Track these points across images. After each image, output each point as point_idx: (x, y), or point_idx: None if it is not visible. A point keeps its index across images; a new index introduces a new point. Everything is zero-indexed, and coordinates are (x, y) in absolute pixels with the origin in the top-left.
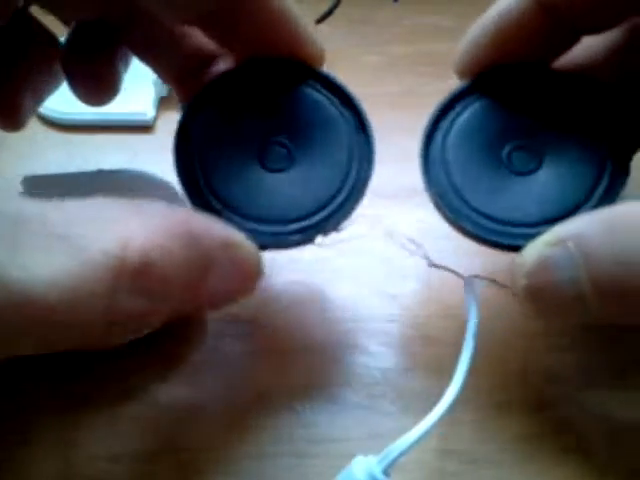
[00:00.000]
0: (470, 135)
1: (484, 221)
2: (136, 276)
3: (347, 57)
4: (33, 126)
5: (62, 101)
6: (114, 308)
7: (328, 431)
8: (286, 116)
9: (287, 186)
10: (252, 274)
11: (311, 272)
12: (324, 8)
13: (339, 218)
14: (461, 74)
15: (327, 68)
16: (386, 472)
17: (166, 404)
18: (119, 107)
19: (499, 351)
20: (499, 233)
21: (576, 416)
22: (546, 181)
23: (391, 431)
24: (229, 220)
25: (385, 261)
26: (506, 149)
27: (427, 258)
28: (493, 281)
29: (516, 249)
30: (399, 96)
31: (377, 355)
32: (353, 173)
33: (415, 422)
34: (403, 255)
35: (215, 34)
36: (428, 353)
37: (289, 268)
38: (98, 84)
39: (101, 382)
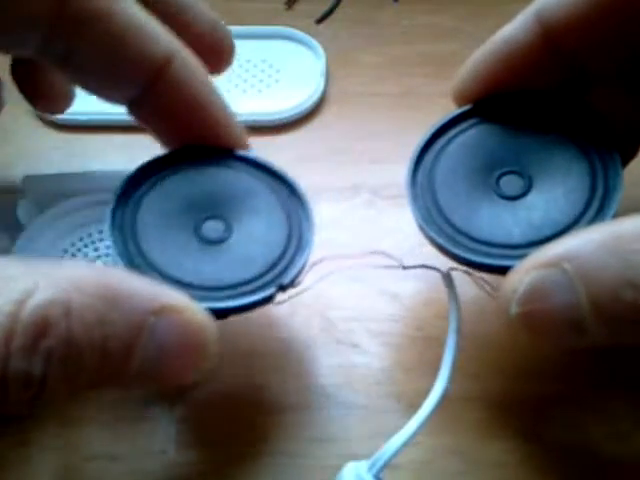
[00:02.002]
0: (461, 160)
1: (467, 242)
2: (31, 335)
3: (347, 57)
4: (33, 126)
5: None
6: (7, 369)
7: (328, 431)
8: (220, 195)
9: (232, 254)
10: (200, 343)
11: (311, 272)
12: (324, 8)
13: (294, 271)
14: (459, 100)
15: (328, 68)
16: (378, 477)
17: (166, 404)
18: (119, 108)
19: (500, 352)
20: (484, 254)
21: (579, 416)
22: (535, 204)
23: (391, 431)
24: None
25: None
26: (495, 174)
27: (399, 261)
28: (469, 273)
29: (503, 270)
30: (399, 96)
31: (377, 355)
32: (295, 231)
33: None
34: (404, 255)
35: (142, 116)
36: (428, 353)
37: None
38: (47, 95)
39: None
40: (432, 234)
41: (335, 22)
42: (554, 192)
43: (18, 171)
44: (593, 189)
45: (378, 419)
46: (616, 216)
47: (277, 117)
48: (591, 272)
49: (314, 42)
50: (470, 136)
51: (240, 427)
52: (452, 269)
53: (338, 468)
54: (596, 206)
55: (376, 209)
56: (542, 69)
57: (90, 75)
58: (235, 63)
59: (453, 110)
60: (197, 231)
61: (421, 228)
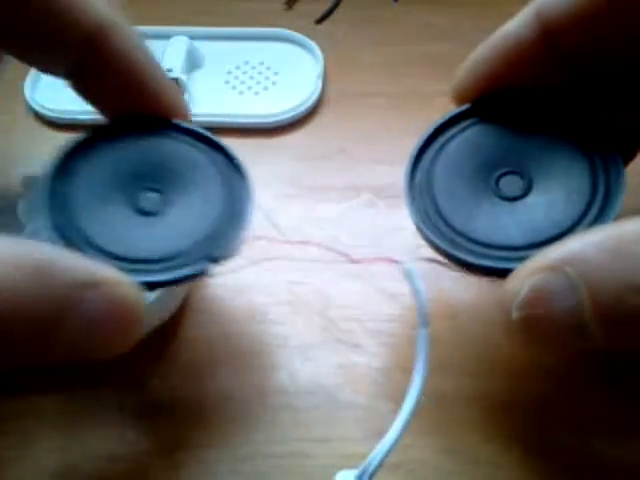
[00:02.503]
0: (459, 160)
1: (466, 244)
2: None
3: (347, 57)
4: (33, 126)
5: (62, 101)
6: None
7: (328, 431)
8: (157, 166)
9: (167, 226)
10: (127, 315)
11: (312, 272)
12: (324, 8)
13: (228, 245)
14: (458, 99)
15: (328, 68)
16: None
17: (166, 403)
18: None
19: (497, 351)
20: (483, 256)
21: (576, 416)
22: (535, 206)
23: None
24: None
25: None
26: (495, 175)
27: (347, 255)
28: (435, 261)
29: (502, 273)
30: (399, 96)
31: (377, 355)
32: (232, 203)
33: (416, 422)
34: (404, 255)
35: (82, 88)
36: (429, 353)
37: (289, 268)
38: None
39: (100, 381)
40: (430, 235)
41: (335, 22)
42: (555, 193)
43: (18, 171)
44: (594, 190)
45: (378, 419)
46: (619, 217)
47: (275, 119)
48: (594, 276)
49: (312, 44)
50: (469, 136)
51: (239, 427)
52: (409, 262)
53: (338, 468)
54: (597, 208)
55: (376, 209)
56: (542, 67)
57: (22, 46)
58: (233, 65)
59: (452, 109)
60: (133, 203)
61: (419, 229)
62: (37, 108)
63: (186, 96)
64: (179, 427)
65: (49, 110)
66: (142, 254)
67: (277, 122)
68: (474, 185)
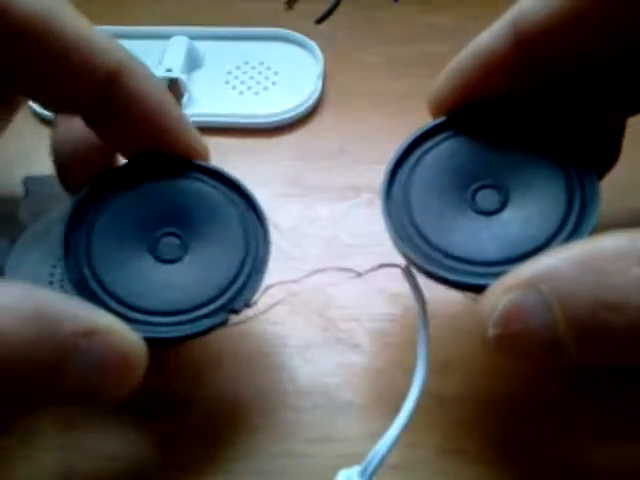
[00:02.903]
0: (436, 174)
1: (443, 259)
2: None
3: (347, 57)
4: (33, 126)
5: None
6: None
7: (328, 431)
8: (175, 208)
9: (186, 275)
10: (127, 364)
11: (312, 272)
12: (324, 8)
13: (246, 295)
14: (434, 111)
15: (328, 68)
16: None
17: (166, 404)
18: None
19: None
20: (460, 272)
21: (573, 417)
22: (511, 220)
23: None
24: (127, 318)
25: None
26: (471, 188)
27: (353, 271)
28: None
29: (478, 289)
30: (399, 96)
31: (377, 355)
32: (251, 251)
33: (416, 422)
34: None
35: (97, 129)
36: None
37: (290, 268)
38: None
39: None
40: (406, 250)
41: (335, 22)
42: (530, 207)
43: (18, 171)
44: (570, 205)
45: (378, 419)
46: (594, 232)
47: (275, 119)
48: (567, 293)
49: (312, 44)
50: (445, 149)
51: (239, 427)
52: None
53: (338, 468)
54: (573, 222)
55: (376, 209)
56: (518, 78)
57: (36, 90)
58: (233, 65)
59: (428, 122)
60: (152, 248)
61: (395, 244)
62: (37, 108)
63: (186, 96)
64: (179, 427)
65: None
66: (162, 306)
67: (277, 122)
68: (450, 199)
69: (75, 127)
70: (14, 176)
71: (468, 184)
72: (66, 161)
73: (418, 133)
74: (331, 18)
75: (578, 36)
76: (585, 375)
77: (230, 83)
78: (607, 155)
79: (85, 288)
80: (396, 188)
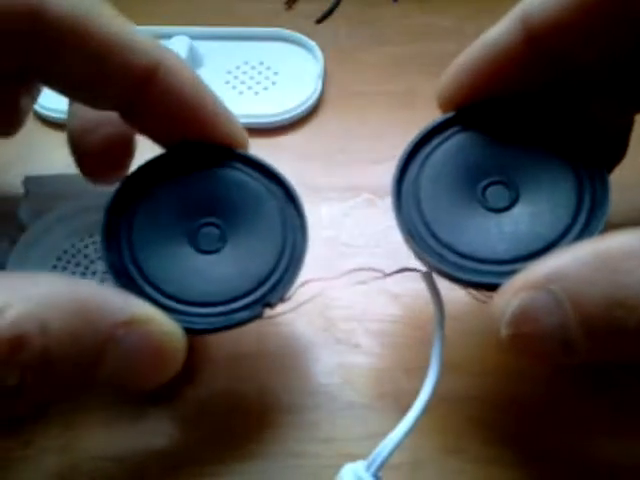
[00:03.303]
0: (446, 170)
1: (454, 258)
2: (6, 351)
3: (347, 57)
4: (33, 126)
5: (62, 101)
6: None
7: (328, 431)
8: (215, 198)
9: (224, 266)
10: (165, 353)
11: (312, 272)
12: (324, 8)
13: (282, 289)
14: (444, 107)
15: (328, 68)
16: (376, 476)
17: (166, 404)
18: None
19: (500, 351)
20: (470, 271)
21: (578, 417)
22: (521, 217)
23: (391, 431)
24: (166, 307)
25: (386, 261)
26: (481, 185)
27: (381, 271)
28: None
29: (489, 287)
30: (399, 96)
31: (377, 355)
32: (289, 244)
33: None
34: (404, 255)
35: (137, 124)
36: (428, 353)
37: None
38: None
39: None
40: (418, 249)
41: (335, 22)
42: (540, 205)
43: (19, 171)
44: (580, 202)
45: (378, 419)
46: (604, 230)
47: (275, 119)
48: (579, 293)
49: (312, 44)
50: (454, 144)
51: (240, 427)
52: (430, 271)
53: (338, 468)
54: (583, 220)
55: (376, 209)
56: (527, 73)
57: (74, 90)
58: (233, 65)
59: (436, 117)
60: (192, 238)
61: (407, 242)
62: (37, 108)
63: None
64: (178, 427)
65: (49, 110)
66: (199, 297)
67: (277, 122)
68: (460, 196)
69: (90, 116)
70: (14, 176)
71: (477, 180)
72: (84, 150)
73: (427, 129)
74: (331, 18)
75: (587, 31)
76: (592, 374)
77: (230, 83)
78: (614, 151)
79: (125, 275)
80: (406, 185)
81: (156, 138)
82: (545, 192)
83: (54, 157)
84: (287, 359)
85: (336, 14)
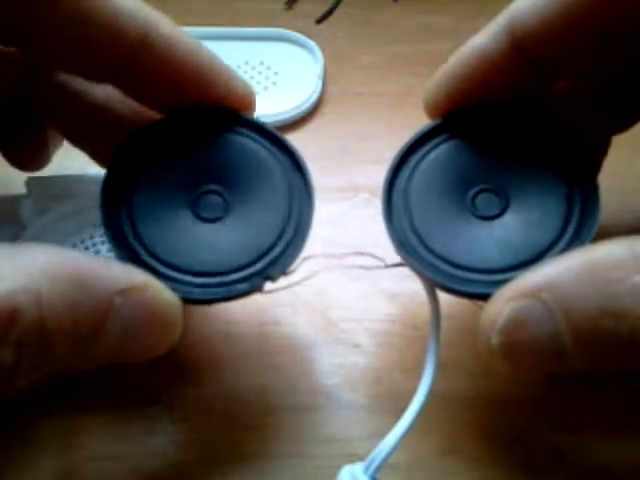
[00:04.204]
0: (435, 178)
1: (446, 268)
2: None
3: (347, 57)
4: None
5: None
6: None
7: (328, 431)
8: (217, 165)
9: (226, 235)
10: (164, 321)
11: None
12: (324, 8)
13: (285, 262)
14: (431, 113)
15: (328, 68)
16: (374, 477)
17: (166, 404)
18: None
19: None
20: (462, 280)
21: (575, 417)
22: (511, 225)
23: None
24: (165, 276)
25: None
26: (471, 192)
27: (382, 260)
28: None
29: (481, 297)
30: (399, 96)
31: (377, 355)
32: (294, 215)
33: (416, 422)
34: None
35: (134, 92)
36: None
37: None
38: (26, 158)
39: (101, 382)
40: (410, 259)
41: (335, 22)
42: (530, 212)
43: (20, 171)
44: (570, 210)
45: (378, 419)
46: (603, 226)
47: (275, 119)
48: (570, 302)
49: (312, 44)
50: (442, 152)
51: (240, 427)
52: None
53: (338, 468)
54: (573, 228)
55: (375, 209)
56: (514, 81)
57: (64, 61)
58: (233, 65)
59: (424, 125)
60: (194, 206)
61: (399, 252)
62: None
63: None
64: (178, 427)
65: None
66: (199, 266)
67: (277, 122)
68: (450, 204)
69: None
70: (16, 176)
71: (467, 188)
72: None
73: (415, 138)
74: (331, 18)
75: (572, 43)
76: (588, 376)
77: None
78: (597, 153)
79: (124, 244)
80: (396, 195)
81: (156, 105)
82: (535, 200)
83: (56, 158)
84: (287, 359)
85: (336, 14)
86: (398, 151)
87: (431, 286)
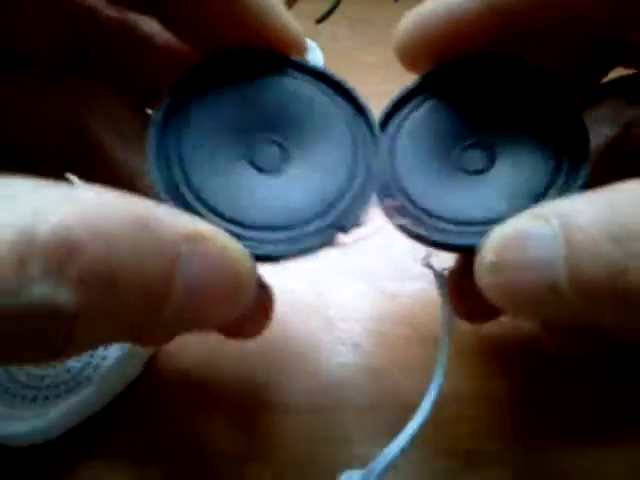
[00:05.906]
0: (419, 136)
1: (434, 222)
2: (53, 259)
3: (347, 57)
4: None
5: None
6: (28, 297)
7: (328, 431)
8: (272, 111)
9: (287, 187)
10: (237, 275)
11: (312, 271)
12: (324, 8)
13: (357, 212)
14: (402, 58)
15: (327, 67)
16: None
17: (166, 404)
18: None
19: (499, 350)
20: (449, 233)
21: (576, 417)
22: (500, 178)
23: (391, 431)
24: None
25: (386, 261)
26: (457, 148)
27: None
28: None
29: (469, 250)
30: None
31: (377, 355)
32: (361, 163)
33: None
34: (404, 255)
35: (176, 29)
36: (428, 353)
37: (290, 267)
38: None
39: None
40: (397, 218)
41: (335, 22)
42: (520, 162)
43: None
44: (560, 154)
45: (378, 419)
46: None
47: None
48: (576, 232)
49: (312, 44)
50: (424, 112)
51: (240, 427)
52: (445, 269)
53: (338, 468)
54: (564, 175)
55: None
56: (492, 38)
57: None
58: None
59: (402, 87)
60: (250, 156)
61: (393, 220)
62: None
63: None
64: (178, 427)
65: None
66: (262, 220)
67: None
68: (437, 162)
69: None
70: None
71: (453, 145)
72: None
73: (396, 99)
74: (331, 18)
75: (548, 23)
76: (585, 375)
77: None
78: None
79: (179, 198)
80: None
81: (194, 40)
82: (522, 149)
83: None
84: (287, 359)
85: (336, 14)
86: (381, 113)
87: (445, 285)
